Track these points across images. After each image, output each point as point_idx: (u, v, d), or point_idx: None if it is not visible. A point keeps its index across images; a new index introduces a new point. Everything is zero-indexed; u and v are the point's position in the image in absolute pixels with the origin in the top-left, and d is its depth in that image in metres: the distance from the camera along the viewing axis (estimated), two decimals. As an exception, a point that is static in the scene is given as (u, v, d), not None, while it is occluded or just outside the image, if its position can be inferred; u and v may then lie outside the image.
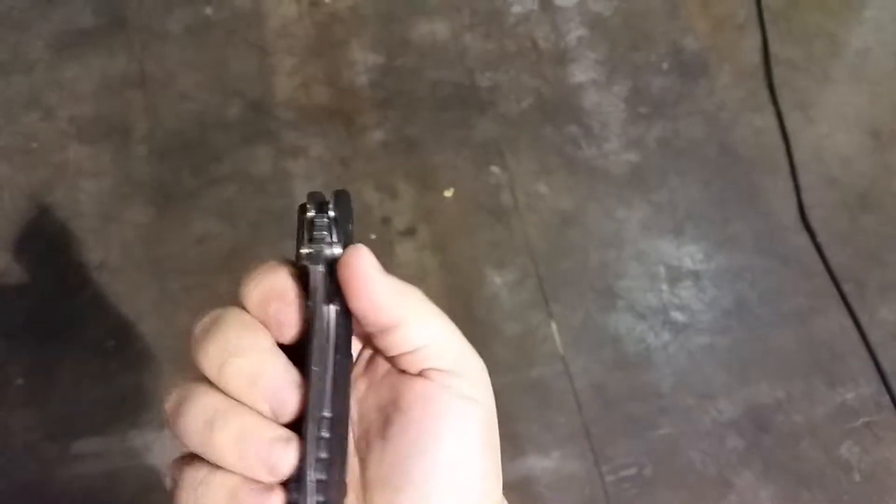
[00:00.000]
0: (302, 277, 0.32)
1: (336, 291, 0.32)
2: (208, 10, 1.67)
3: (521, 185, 1.50)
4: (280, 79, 1.60)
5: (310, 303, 0.31)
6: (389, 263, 0.44)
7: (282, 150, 1.52)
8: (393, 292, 0.32)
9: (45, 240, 1.43)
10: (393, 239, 1.43)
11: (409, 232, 1.45)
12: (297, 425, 0.30)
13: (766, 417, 1.31)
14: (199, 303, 1.35)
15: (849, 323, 1.39)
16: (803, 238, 1.47)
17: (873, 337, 1.37)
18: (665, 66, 1.66)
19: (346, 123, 1.56)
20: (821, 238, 1.45)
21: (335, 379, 0.31)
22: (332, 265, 0.32)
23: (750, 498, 1.25)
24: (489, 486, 0.32)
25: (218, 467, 0.29)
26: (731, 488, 1.26)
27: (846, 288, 1.41)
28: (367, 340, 0.34)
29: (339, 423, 0.31)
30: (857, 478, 1.26)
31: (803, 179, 1.52)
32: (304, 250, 0.32)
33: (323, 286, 0.31)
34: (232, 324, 0.31)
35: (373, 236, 1.41)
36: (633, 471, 1.26)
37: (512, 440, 1.25)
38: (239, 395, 0.30)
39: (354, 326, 0.32)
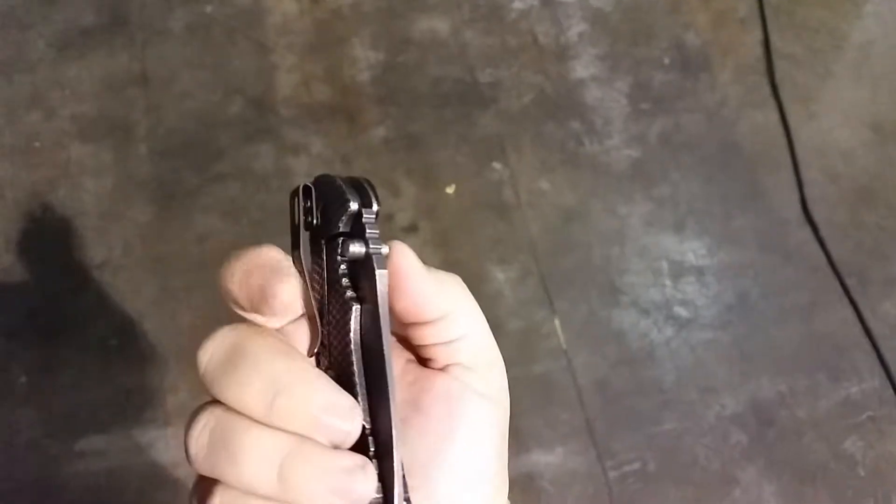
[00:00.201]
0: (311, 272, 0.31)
1: (369, 290, 0.30)
2: (209, 8, 1.67)
3: (523, 182, 1.50)
4: (281, 76, 1.60)
5: (359, 305, 0.30)
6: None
7: (283, 147, 1.52)
8: (437, 287, 0.31)
9: (48, 238, 1.43)
10: (395, 236, 1.42)
11: (412, 229, 1.44)
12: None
13: (770, 412, 1.31)
14: (201, 301, 1.35)
15: (852, 317, 1.38)
16: (806, 232, 1.46)
17: (876, 331, 1.36)
18: (666, 61, 1.65)
19: (348, 120, 1.56)
20: (823, 232, 1.45)
21: (386, 388, 0.29)
22: (355, 263, 0.30)
23: (754, 493, 1.25)
24: (499, 485, 0.32)
25: None
26: (734, 483, 1.25)
27: (849, 282, 1.41)
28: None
29: (388, 433, 0.29)
30: (862, 472, 1.26)
31: (805, 174, 1.52)
32: (356, 247, 0.30)
33: (373, 289, 0.29)
34: (260, 352, 0.28)
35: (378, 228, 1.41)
36: (636, 466, 1.26)
37: (515, 436, 1.24)
38: (296, 430, 0.28)
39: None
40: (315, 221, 0.31)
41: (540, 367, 1.33)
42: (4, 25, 1.63)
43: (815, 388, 1.33)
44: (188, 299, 1.35)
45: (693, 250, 1.45)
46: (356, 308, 0.30)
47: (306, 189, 0.31)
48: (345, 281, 0.30)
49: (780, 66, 1.64)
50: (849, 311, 1.39)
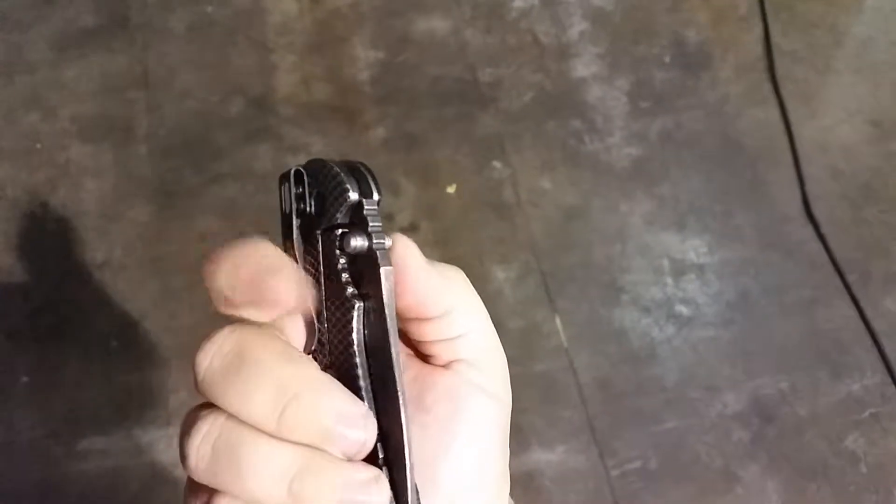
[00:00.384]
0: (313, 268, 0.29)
1: (372, 287, 0.28)
2: (209, 9, 1.67)
3: (524, 181, 1.50)
4: (281, 76, 1.60)
5: (361, 304, 0.28)
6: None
7: (283, 147, 1.52)
8: (441, 282, 0.30)
9: (48, 239, 1.43)
10: (396, 235, 1.43)
11: (412, 228, 1.44)
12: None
13: (772, 409, 1.30)
14: (202, 300, 1.35)
15: (853, 314, 1.38)
16: (807, 229, 1.46)
17: (878, 327, 1.36)
18: (667, 59, 1.65)
19: (348, 120, 1.56)
20: (824, 229, 1.45)
21: (395, 392, 0.27)
22: (356, 257, 0.28)
23: (756, 490, 1.24)
24: (502, 483, 0.32)
25: None
26: (737, 481, 1.25)
27: (850, 279, 1.40)
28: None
29: (398, 439, 0.27)
30: (864, 469, 1.26)
31: (806, 171, 1.51)
32: (358, 241, 0.27)
33: (380, 286, 0.27)
34: (266, 357, 0.26)
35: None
36: (638, 464, 1.26)
37: (516, 434, 1.24)
38: (307, 441, 0.26)
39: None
40: (308, 209, 0.29)
41: (541, 365, 1.32)
42: (4, 26, 1.63)
43: (816, 385, 1.33)
44: (189, 299, 1.35)
45: (694, 248, 1.44)
46: (359, 306, 0.28)
47: (297, 174, 0.29)
48: (345, 276, 0.28)
49: (781, 63, 1.64)
50: (850, 308, 1.39)
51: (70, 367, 1.31)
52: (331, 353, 0.29)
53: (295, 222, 0.29)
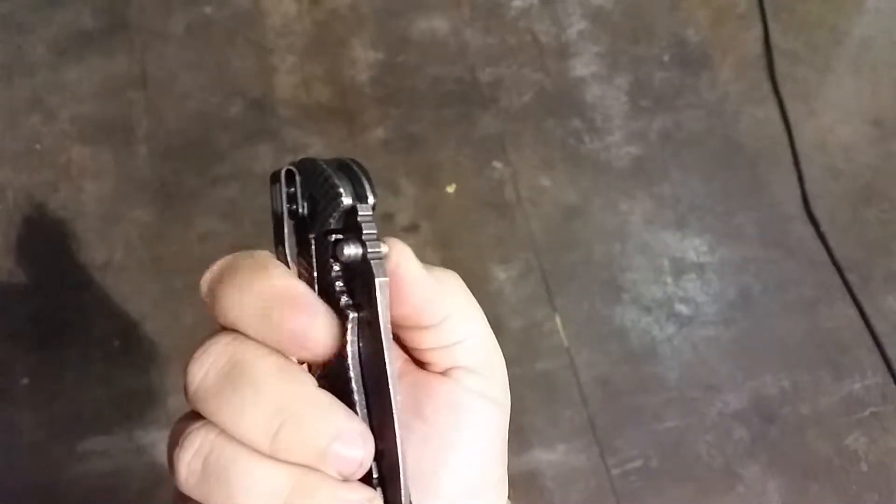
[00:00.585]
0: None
1: (366, 297, 0.26)
2: (208, 10, 1.67)
3: (524, 180, 1.50)
4: (281, 77, 1.60)
5: (357, 315, 0.27)
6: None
7: (283, 148, 1.52)
8: (438, 290, 0.29)
9: (49, 241, 1.43)
10: (396, 236, 1.42)
11: (412, 228, 1.44)
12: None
13: (773, 409, 1.30)
14: (203, 302, 1.35)
15: (854, 313, 1.38)
16: (807, 229, 1.46)
17: (879, 327, 1.36)
18: (666, 58, 1.65)
19: (348, 121, 1.56)
20: (825, 228, 1.45)
21: (389, 408, 0.26)
22: (350, 265, 0.27)
23: (757, 489, 1.24)
24: (501, 489, 0.31)
25: None
26: (738, 480, 1.25)
27: (851, 278, 1.40)
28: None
29: (393, 456, 0.26)
30: (865, 468, 1.26)
31: (806, 170, 1.51)
32: (351, 249, 0.26)
33: (375, 296, 0.26)
34: (263, 372, 0.25)
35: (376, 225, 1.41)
36: (638, 463, 1.26)
37: (517, 434, 1.24)
38: (303, 462, 0.25)
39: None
40: (301, 211, 0.28)
41: (542, 364, 1.32)
42: (4, 29, 1.64)
43: (817, 384, 1.33)
44: (190, 300, 1.35)
45: (694, 247, 1.44)
46: (353, 317, 0.27)
47: (289, 173, 0.28)
48: (339, 285, 0.27)
49: (781, 63, 1.64)
50: (851, 308, 1.39)
51: (71, 368, 1.31)
52: (324, 364, 0.28)
53: (287, 225, 0.28)
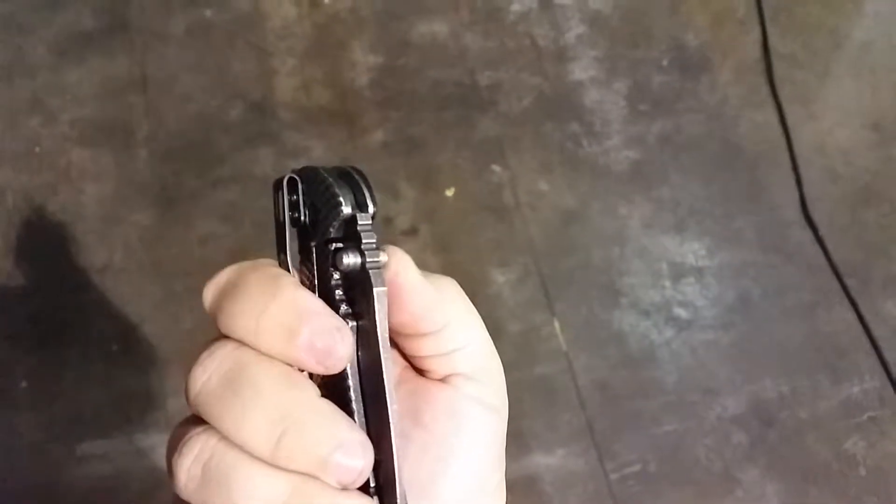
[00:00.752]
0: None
1: (366, 306, 0.27)
2: (208, 13, 1.67)
3: (523, 184, 1.50)
4: (281, 80, 1.60)
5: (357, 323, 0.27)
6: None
7: (283, 151, 1.52)
8: (436, 297, 0.29)
9: (48, 243, 1.43)
10: (395, 239, 1.43)
11: (411, 232, 1.45)
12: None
13: (771, 413, 1.31)
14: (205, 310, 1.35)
15: (853, 317, 1.38)
16: (806, 233, 1.46)
17: (877, 331, 1.36)
18: (665, 62, 1.65)
19: (347, 124, 1.56)
20: (823, 232, 1.45)
21: (386, 417, 0.26)
22: (350, 274, 0.27)
23: (756, 493, 1.25)
24: (499, 495, 0.31)
25: None
26: (736, 484, 1.25)
27: (850, 282, 1.40)
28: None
29: (390, 465, 0.27)
30: (863, 472, 1.26)
31: (805, 174, 1.52)
32: (350, 259, 0.26)
33: (375, 309, 0.26)
34: (266, 380, 0.26)
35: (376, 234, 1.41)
36: (637, 468, 1.26)
37: (516, 438, 1.25)
38: (303, 470, 0.25)
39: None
40: (303, 218, 0.28)
41: (540, 368, 1.33)
42: (5, 30, 1.64)
43: (816, 388, 1.33)
44: (190, 303, 1.35)
45: (693, 251, 1.45)
46: (352, 325, 0.27)
47: (291, 181, 0.28)
48: (338, 293, 0.27)
49: (780, 67, 1.64)
50: (850, 312, 1.39)
51: (70, 370, 1.31)
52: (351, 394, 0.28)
53: (289, 232, 0.28)
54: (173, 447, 0.27)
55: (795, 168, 1.52)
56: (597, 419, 1.29)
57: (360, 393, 0.27)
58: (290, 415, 0.25)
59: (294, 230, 0.28)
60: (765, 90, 1.63)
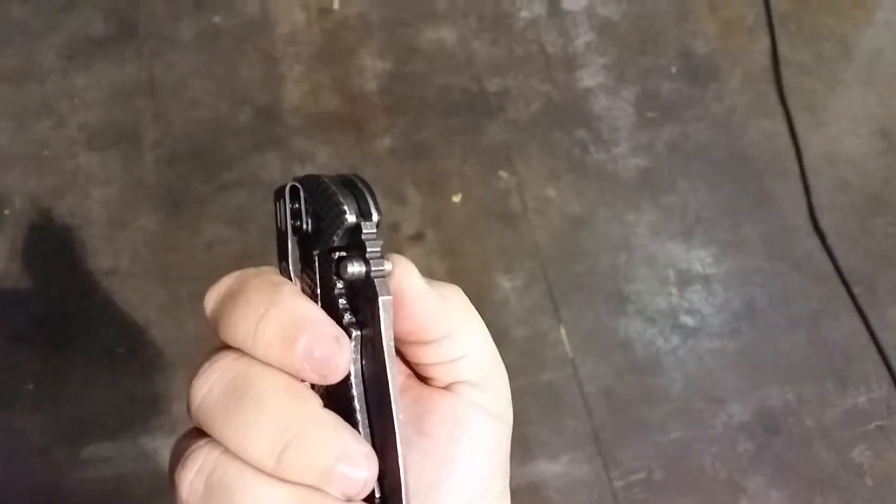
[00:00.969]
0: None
1: (370, 315, 0.27)
2: (217, 18, 1.68)
3: (530, 190, 1.50)
4: (288, 86, 1.61)
5: (360, 332, 0.27)
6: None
7: (290, 156, 1.53)
8: (441, 305, 0.29)
9: (56, 246, 1.43)
10: (401, 245, 1.43)
11: (418, 237, 1.45)
12: None
13: (777, 421, 1.30)
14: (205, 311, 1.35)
15: (860, 326, 1.38)
16: (814, 241, 1.46)
17: (885, 340, 1.36)
18: (674, 69, 1.65)
19: (355, 130, 1.57)
20: (831, 241, 1.44)
21: (392, 428, 0.26)
22: (354, 283, 0.27)
23: (761, 502, 1.24)
24: (503, 502, 0.31)
25: None
26: (742, 492, 1.25)
27: (857, 291, 1.40)
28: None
29: (395, 476, 0.26)
30: (870, 482, 1.25)
31: (813, 182, 1.51)
32: (355, 268, 0.26)
33: (379, 314, 0.26)
34: (269, 392, 0.25)
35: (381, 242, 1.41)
36: (642, 475, 1.25)
37: (521, 444, 1.24)
38: (307, 482, 0.25)
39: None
40: (305, 227, 0.27)
41: (546, 375, 1.32)
42: (15, 35, 1.65)
43: (822, 396, 1.32)
44: (195, 308, 1.35)
45: (700, 259, 1.44)
46: (356, 335, 0.27)
47: (293, 189, 0.28)
48: (342, 302, 0.27)
49: (788, 75, 1.64)
50: (857, 320, 1.38)
51: (76, 373, 1.31)
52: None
53: (291, 241, 0.28)
54: (175, 461, 0.26)
55: (803, 176, 1.52)
56: (602, 426, 1.28)
57: (364, 402, 0.27)
58: (292, 426, 0.25)
59: (295, 238, 0.28)
60: (773, 98, 1.63)
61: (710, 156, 1.55)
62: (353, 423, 0.27)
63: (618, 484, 1.24)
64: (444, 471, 0.29)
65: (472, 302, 0.31)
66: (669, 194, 1.50)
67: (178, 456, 0.26)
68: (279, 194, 0.28)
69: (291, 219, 0.28)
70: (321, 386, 0.27)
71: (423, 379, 0.31)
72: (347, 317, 0.27)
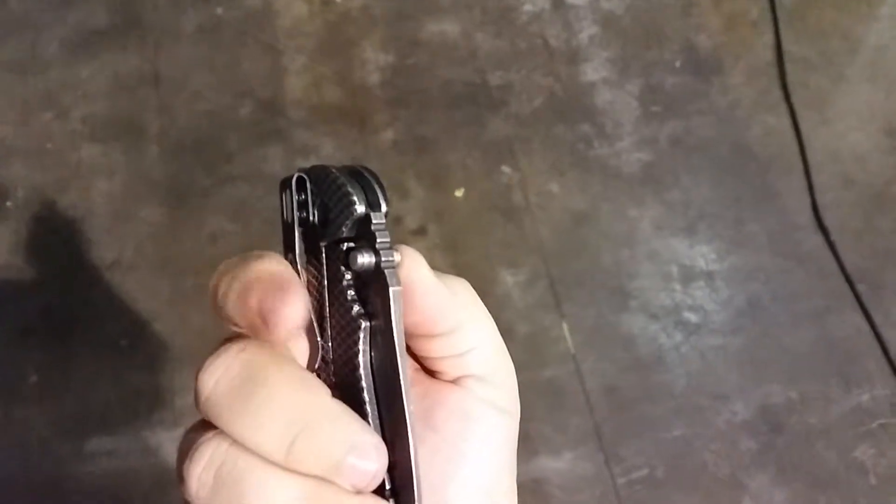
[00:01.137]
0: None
1: (380, 306, 0.26)
2: (220, 10, 1.67)
3: (533, 185, 1.50)
4: (291, 78, 1.60)
5: (372, 324, 0.26)
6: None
7: (293, 149, 1.52)
8: (449, 298, 0.29)
9: (59, 239, 1.43)
10: (404, 239, 1.43)
11: (420, 232, 1.44)
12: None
13: (780, 419, 1.30)
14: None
15: (864, 323, 1.37)
16: (818, 238, 1.45)
17: (888, 338, 1.35)
18: (678, 64, 1.65)
19: (358, 123, 1.56)
20: (835, 238, 1.44)
21: (403, 418, 0.26)
22: (362, 274, 0.27)
23: (764, 500, 1.24)
24: (511, 498, 0.31)
25: None
26: (744, 490, 1.25)
27: (861, 288, 1.40)
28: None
29: (406, 467, 0.26)
30: (873, 480, 1.25)
31: (817, 179, 1.51)
32: (365, 258, 0.26)
33: (386, 303, 0.26)
34: (278, 382, 0.25)
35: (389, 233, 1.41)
36: (644, 472, 1.25)
37: (523, 441, 1.23)
38: (317, 473, 0.25)
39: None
40: (311, 218, 0.27)
41: (548, 371, 1.32)
42: (19, 26, 1.64)
43: (826, 394, 1.32)
44: (199, 300, 1.35)
45: (703, 255, 1.44)
46: (365, 326, 0.27)
47: (300, 180, 0.27)
48: (350, 293, 0.27)
49: (793, 70, 1.63)
50: (861, 318, 1.38)
51: (79, 367, 1.31)
52: (336, 373, 0.27)
53: (297, 232, 0.28)
54: (183, 454, 0.26)
55: (808, 172, 1.51)
56: (604, 423, 1.28)
57: (373, 394, 0.27)
58: (302, 418, 0.25)
59: (301, 230, 0.28)
60: (777, 93, 1.62)
61: (713, 151, 1.55)
62: (363, 415, 0.26)
63: (620, 481, 1.24)
64: (452, 466, 0.28)
65: (475, 297, 0.31)
66: (673, 189, 1.50)
67: (186, 449, 0.26)
68: (285, 185, 0.28)
69: (298, 210, 0.28)
70: (330, 377, 0.27)
71: (431, 373, 0.31)
72: (356, 308, 0.27)
